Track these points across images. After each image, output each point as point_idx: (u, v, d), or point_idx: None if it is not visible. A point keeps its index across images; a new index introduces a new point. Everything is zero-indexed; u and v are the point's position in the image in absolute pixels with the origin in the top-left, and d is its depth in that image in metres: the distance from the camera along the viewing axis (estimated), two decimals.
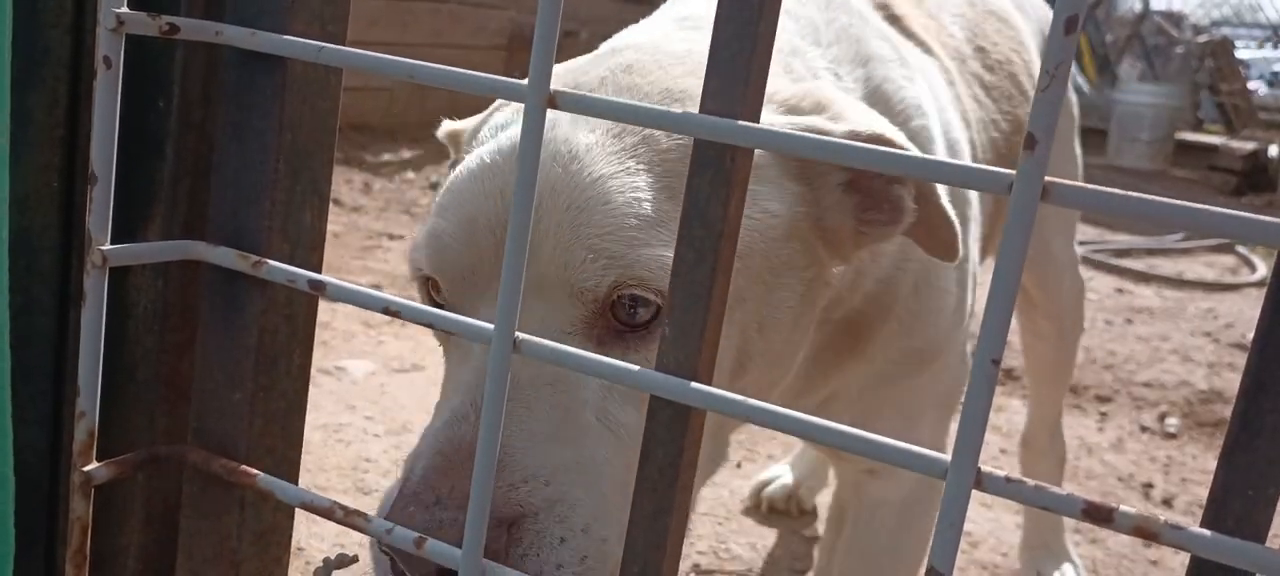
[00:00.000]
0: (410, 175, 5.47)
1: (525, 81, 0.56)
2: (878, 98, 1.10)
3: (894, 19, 1.27)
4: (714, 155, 0.56)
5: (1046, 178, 0.46)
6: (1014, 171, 0.46)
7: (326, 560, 0.89)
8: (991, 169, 0.49)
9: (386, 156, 5.81)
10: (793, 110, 0.91)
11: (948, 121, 1.22)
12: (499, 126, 0.92)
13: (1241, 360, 3.59)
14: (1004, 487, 0.49)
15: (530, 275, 0.81)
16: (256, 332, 0.70)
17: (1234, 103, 10.32)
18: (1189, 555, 0.51)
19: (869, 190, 0.90)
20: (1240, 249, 5.47)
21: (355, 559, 0.88)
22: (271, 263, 0.66)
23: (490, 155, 0.85)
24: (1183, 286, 4.65)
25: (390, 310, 0.63)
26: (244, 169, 0.70)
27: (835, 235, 0.91)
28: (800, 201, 0.88)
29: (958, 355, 1.22)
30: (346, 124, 5.96)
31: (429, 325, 0.62)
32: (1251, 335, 0.49)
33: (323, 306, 3.25)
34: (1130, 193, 0.46)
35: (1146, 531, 0.46)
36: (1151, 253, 5.27)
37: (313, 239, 0.72)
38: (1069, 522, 2.31)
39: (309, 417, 0.79)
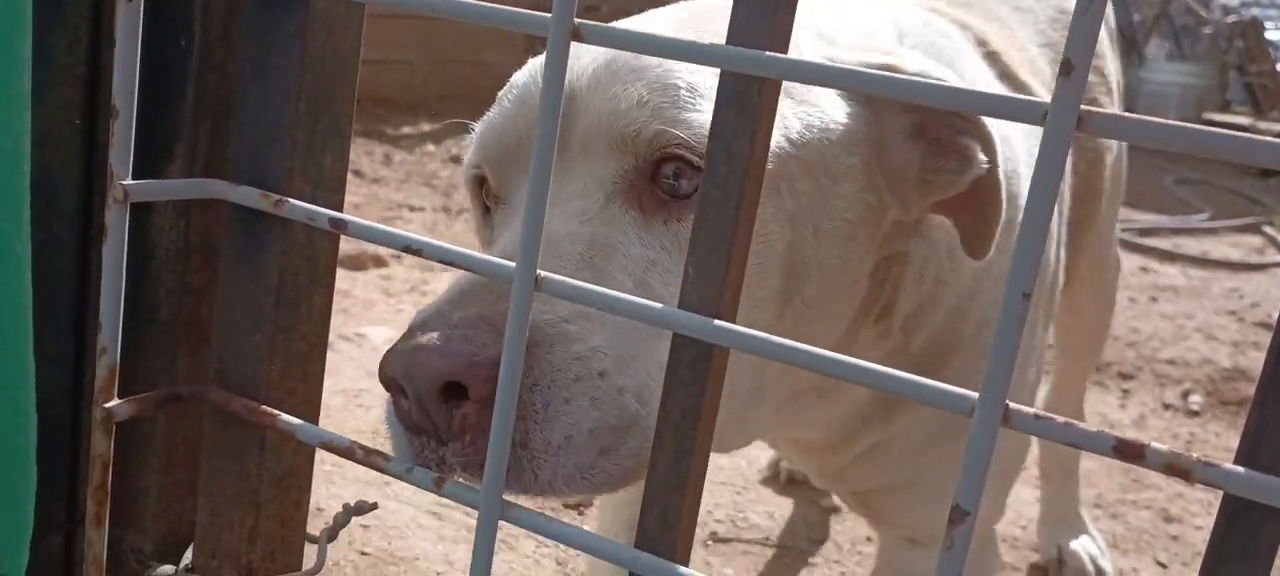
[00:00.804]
0: (430, 148, 5.47)
1: (548, 15, 0.55)
2: None
3: (992, 56, 1.24)
4: (741, 89, 0.55)
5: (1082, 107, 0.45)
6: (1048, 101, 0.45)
7: (346, 506, 0.89)
8: (1026, 98, 0.48)
9: (407, 129, 5.82)
10: (863, 50, 0.92)
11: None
12: None
13: (1267, 339, 3.55)
14: (1032, 424, 0.48)
15: (574, 139, 0.81)
16: (277, 273, 0.70)
17: (1263, 83, 10.17)
18: (1214, 517, 0.50)
19: (937, 138, 0.90)
20: (1267, 229, 5.41)
21: (375, 505, 0.88)
22: (293, 201, 0.66)
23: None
24: (1208, 266, 4.60)
25: (411, 248, 0.62)
26: (265, 108, 0.69)
27: (900, 177, 0.91)
28: (862, 122, 0.88)
29: None
30: (367, 97, 5.97)
31: (451, 263, 0.61)
32: (1277, 314, 0.48)
33: (343, 275, 3.26)
34: (1168, 121, 0.45)
35: (1178, 468, 0.45)
36: (1177, 232, 5.22)
37: (334, 180, 0.72)
38: (1088, 498, 2.29)
39: (329, 382, 0.79)
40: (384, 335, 2.79)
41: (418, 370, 0.66)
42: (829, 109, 0.87)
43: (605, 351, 0.72)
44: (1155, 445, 0.46)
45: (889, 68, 0.90)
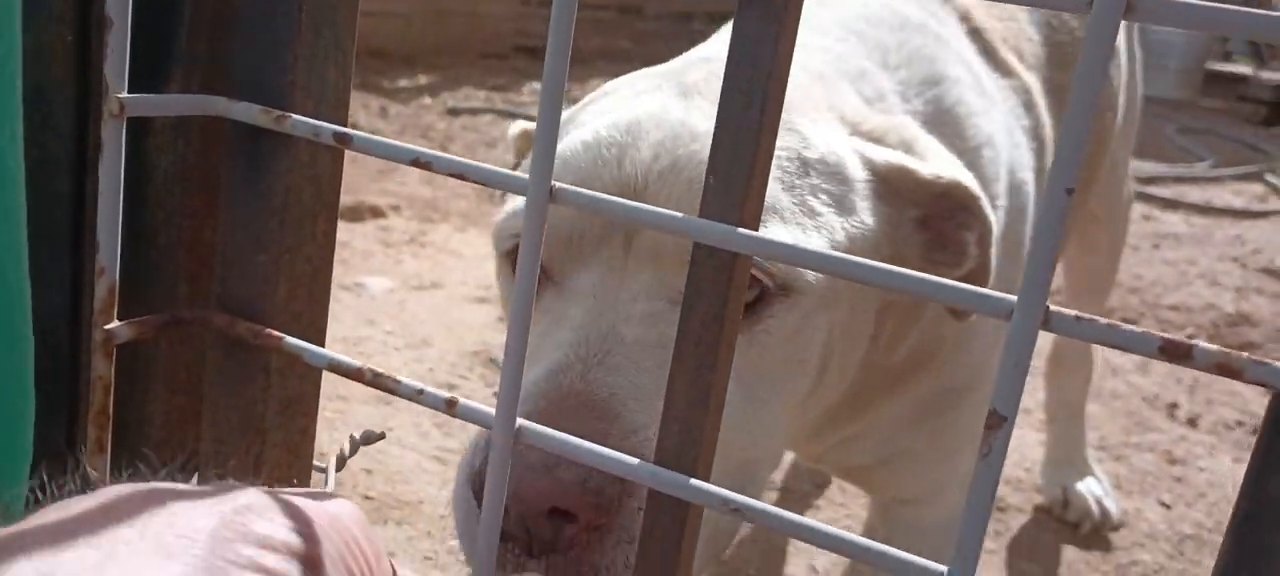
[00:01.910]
0: (427, 100, 5.42)
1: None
2: (948, 119, 1.11)
3: (975, 32, 1.25)
4: None
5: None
6: None
7: (352, 437, 0.88)
8: None
9: (403, 82, 5.76)
10: (878, 140, 0.95)
11: (1016, 161, 1.20)
12: (605, 110, 0.93)
13: (1270, 285, 3.54)
14: (1073, 326, 0.46)
15: (646, 242, 0.83)
16: (281, 193, 0.68)
17: None
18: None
19: (939, 230, 0.94)
20: (1269, 177, 5.38)
21: (382, 436, 0.87)
22: (295, 116, 0.64)
23: (606, 129, 0.88)
24: (1210, 213, 4.59)
25: (419, 162, 0.60)
26: (265, 21, 0.67)
27: (906, 265, 0.95)
28: (886, 222, 0.92)
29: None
30: (363, 50, 5.89)
31: (462, 176, 0.59)
32: None
33: (342, 226, 3.23)
34: (1219, 5, 0.43)
35: (1229, 367, 0.44)
36: (1179, 180, 5.19)
37: (337, 96, 0.69)
38: (1092, 441, 2.29)
39: (329, 331, 0.77)
40: (383, 285, 2.77)
41: (526, 492, 0.68)
42: (862, 212, 0.90)
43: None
44: (1202, 344, 0.44)
45: (904, 169, 0.93)
